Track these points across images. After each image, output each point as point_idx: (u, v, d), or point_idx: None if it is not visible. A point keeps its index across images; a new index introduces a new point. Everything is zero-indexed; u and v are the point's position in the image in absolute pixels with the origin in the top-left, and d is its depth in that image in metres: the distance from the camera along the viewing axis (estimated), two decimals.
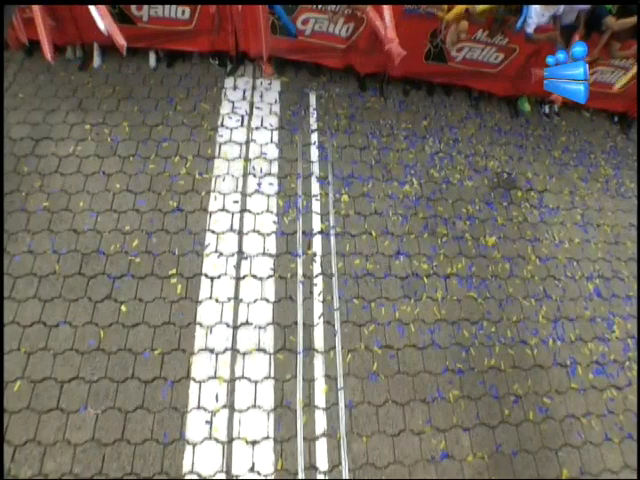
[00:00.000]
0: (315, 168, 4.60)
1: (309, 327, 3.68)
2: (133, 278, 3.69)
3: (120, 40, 4.17)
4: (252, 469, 3.08)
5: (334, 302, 3.83)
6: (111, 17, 4.17)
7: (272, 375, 3.43)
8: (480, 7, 4.44)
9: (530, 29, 4.56)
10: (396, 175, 4.75)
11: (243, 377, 3.39)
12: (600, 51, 4.96)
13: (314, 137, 4.84)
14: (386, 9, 4.42)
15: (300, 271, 3.93)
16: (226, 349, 3.49)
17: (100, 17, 4.07)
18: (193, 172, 4.32)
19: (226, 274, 3.82)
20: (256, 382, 3.39)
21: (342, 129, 4.99)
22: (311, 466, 3.16)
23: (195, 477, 3.01)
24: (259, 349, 3.53)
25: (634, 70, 5.17)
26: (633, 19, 4.67)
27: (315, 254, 4.05)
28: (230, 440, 3.15)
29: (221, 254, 3.91)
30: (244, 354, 3.49)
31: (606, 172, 5.53)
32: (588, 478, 3.52)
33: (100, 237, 3.84)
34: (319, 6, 4.60)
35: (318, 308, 3.78)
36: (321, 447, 3.23)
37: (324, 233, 4.14)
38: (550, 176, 5.26)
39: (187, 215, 4.06)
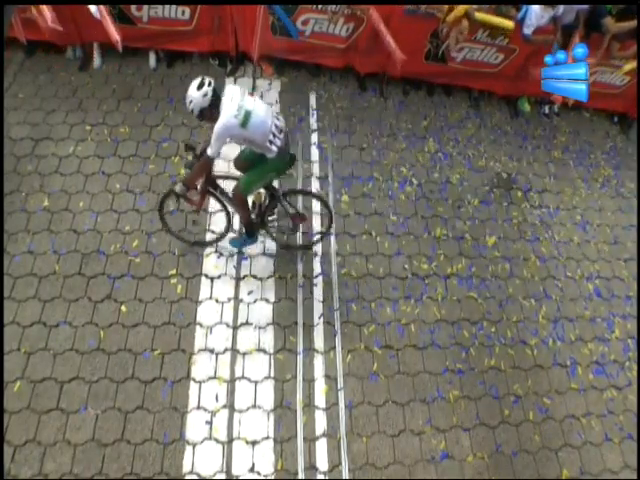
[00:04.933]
0: (315, 168, 4.60)
1: (309, 327, 3.68)
2: (133, 278, 3.69)
3: (114, 35, 4.22)
4: (252, 469, 3.08)
5: (334, 302, 3.82)
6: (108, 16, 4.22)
7: (272, 375, 3.43)
8: (477, 16, 4.46)
9: (529, 30, 4.57)
10: (396, 175, 4.75)
11: (243, 377, 3.39)
12: (603, 53, 4.96)
13: (314, 137, 4.84)
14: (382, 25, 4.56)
15: (300, 271, 3.93)
16: (226, 349, 3.49)
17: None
18: None
19: (226, 274, 3.82)
20: (256, 382, 3.39)
21: (342, 129, 4.99)
22: (311, 466, 3.16)
23: (195, 477, 3.01)
24: (259, 349, 3.52)
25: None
26: (632, 23, 4.68)
27: (315, 254, 4.05)
28: (230, 440, 3.15)
29: (221, 254, 3.91)
30: (244, 354, 3.49)
31: (606, 172, 5.53)
32: (588, 478, 3.52)
33: (100, 237, 3.84)
34: (319, 6, 4.60)
35: (318, 308, 3.78)
36: (321, 447, 3.23)
37: (324, 233, 4.14)
38: (550, 176, 5.26)
39: (187, 215, 4.05)
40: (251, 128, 2.97)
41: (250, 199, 3.52)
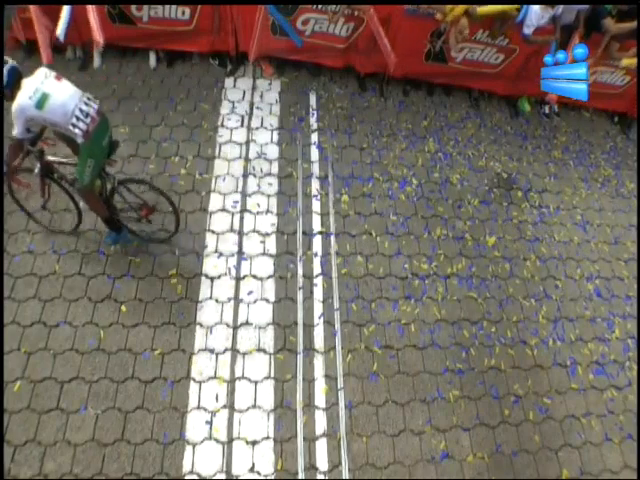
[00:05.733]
0: (315, 168, 4.60)
1: (309, 327, 3.68)
2: (133, 278, 3.69)
3: (97, 37, 4.25)
4: (252, 469, 3.08)
5: (334, 302, 3.82)
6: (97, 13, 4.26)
7: (272, 375, 3.43)
8: (480, 10, 4.46)
9: (529, 30, 4.56)
10: (396, 175, 4.75)
11: (243, 377, 3.39)
12: (601, 53, 4.97)
13: (314, 137, 4.84)
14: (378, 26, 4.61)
15: (300, 271, 3.93)
16: (226, 349, 3.49)
17: (68, 20, 4.16)
18: (193, 172, 4.32)
19: (226, 274, 3.82)
20: (256, 382, 3.39)
21: (342, 129, 4.99)
22: (311, 466, 3.16)
23: (195, 477, 3.01)
24: (259, 349, 3.52)
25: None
26: (632, 24, 4.67)
27: (315, 254, 4.05)
28: (230, 440, 3.15)
29: (221, 254, 3.91)
30: (244, 354, 3.49)
31: (606, 172, 5.53)
32: (588, 478, 3.52)
33: (100, 237, 3.83)
34: (319, 6, 4.60)
35: (318, 308, 3.78)
36: (321, 447, 3.23)
37: (324, 233, 4.14)
38: (550, 176, 5.27)
39: (187, 215, 4.05)
40: (49, 110, 2.98)
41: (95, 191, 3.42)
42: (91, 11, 4.22)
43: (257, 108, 4.94)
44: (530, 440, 3.56)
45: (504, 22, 4.69)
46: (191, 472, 3.02)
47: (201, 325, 3.56)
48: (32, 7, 4.16)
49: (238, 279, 3.82)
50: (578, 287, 4.48)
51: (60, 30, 4.17)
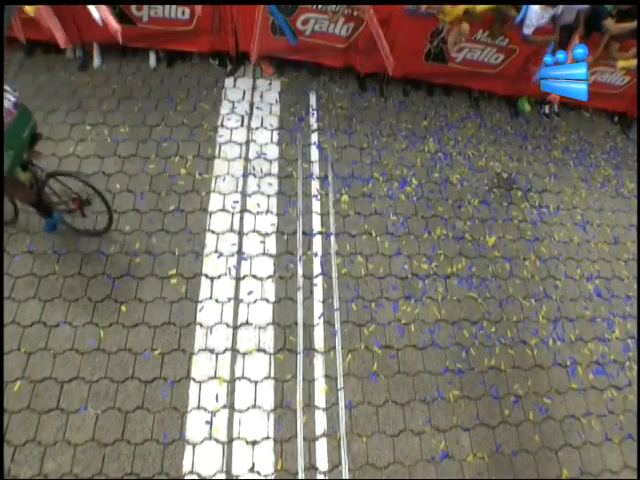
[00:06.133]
0: (315, 168, 4.60)
1: (309, 327, 3.68)
2: (133, 278, 3.69)
3: (114, 25, 4.20)
4: (252, 469, 3.08)
5: (334, 302, 3.82)
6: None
7: (272, 375, 3.43)
8: (480, 7, 4.46)
9: (529, 30, 4.56)
10: (396, 175, 4.75)
11: (243, 377, 3.39)
12: (600, 52, 4.97)
13: (314, 137, 4.84)
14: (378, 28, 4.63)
15: (300, 271, 3.93)
16: (226, 349, 3.49)
17: (95, 7, 4.12)
18: (193, 172, 4.32)
19: (226, 274, 3.82)
20: (256, 382, 3.39)
21: (342, 129, 4.99)
22: (311, 466, 3.16)
23: (195, 477, 3.01)
24: (259, 349, 3.52)
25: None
26: (632, 24, 4.68)
27: (315, 254, 4.05)
28: (230, 440, 3.15)
29: (221, 254, 3.91)
30: (244, 354, 3.49)
31: (606, 172, 5.53)
32: (588, 478, 3.52)
33: (100, 237, 3.83)
34: (319, 6, 4.61)
35: (318, 308, 3.78)
36: (321, 447, 3.23)
37: (324, 233, 4.14)
38: (550, 176, 5.27)
39: (187, 215, 4.06)
40: None
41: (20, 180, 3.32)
42: (105, 9, 4.21)
43: (257, 108, 4.94)
44: (530, 440, 3.56)
45: (504, 22, 4.69)
46: (191, 472, 3.02)
47: (201, 325, 3.56)
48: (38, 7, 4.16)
49: (238, 279, 3.82)
50: (578, 287, 4.48)
51: (96, 15, 4.14)
